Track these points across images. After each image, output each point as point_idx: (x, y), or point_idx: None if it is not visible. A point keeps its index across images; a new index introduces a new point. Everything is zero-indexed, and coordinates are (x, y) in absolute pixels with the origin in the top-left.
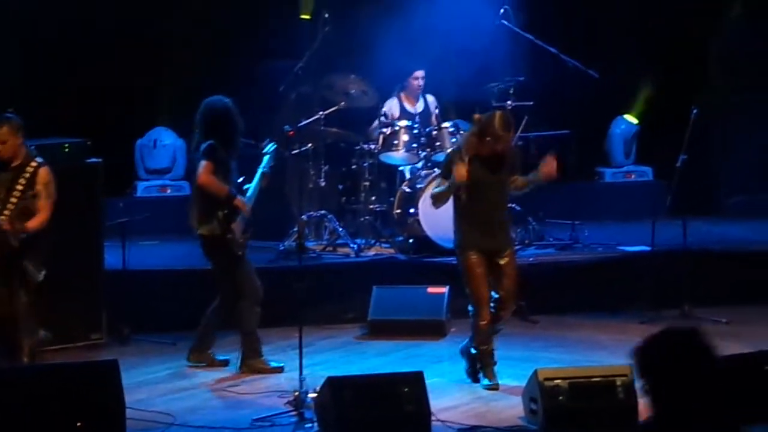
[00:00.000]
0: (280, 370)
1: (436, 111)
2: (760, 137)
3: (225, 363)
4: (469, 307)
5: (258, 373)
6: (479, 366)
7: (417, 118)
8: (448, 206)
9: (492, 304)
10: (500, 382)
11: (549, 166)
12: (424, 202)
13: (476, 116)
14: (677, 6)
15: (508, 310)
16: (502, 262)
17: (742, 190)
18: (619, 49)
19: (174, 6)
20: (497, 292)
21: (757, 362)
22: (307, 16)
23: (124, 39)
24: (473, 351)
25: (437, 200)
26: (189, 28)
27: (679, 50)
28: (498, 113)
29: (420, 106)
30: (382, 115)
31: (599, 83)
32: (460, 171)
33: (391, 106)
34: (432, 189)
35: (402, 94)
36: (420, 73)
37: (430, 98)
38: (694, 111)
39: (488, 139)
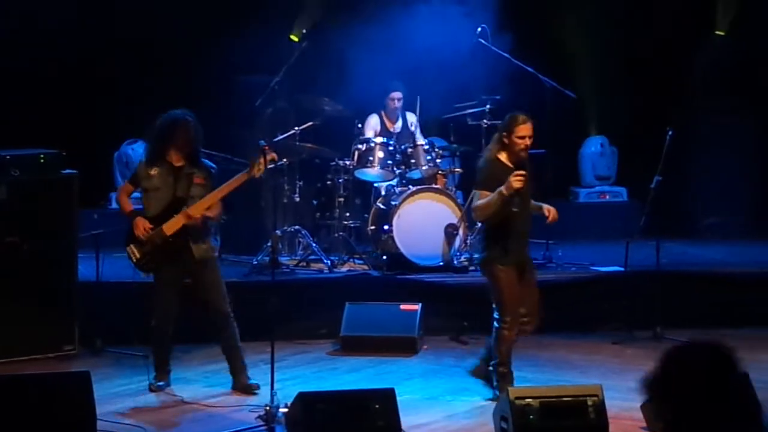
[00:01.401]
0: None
1: (413, 128)
2: (735, 159)
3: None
4: (495, 323)
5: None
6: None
7: (395, 137)
8: (422, 222)
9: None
10: (471, 400)
11: (552, 216)
12: (399, 219)
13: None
14: (656, 27)
15: (532, 325)
16: (527, 276)
17: (717, 212)
18: (598, 70)
19: (151, 19)
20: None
21: None
22: (295, 39)
23: (102, 51)
24: (494, 362)
25: (484, 212)
26: (166, 41)
27: (657, 71)
28: (516, 114)
29: (398, 126)
30: (359, 133)
31: (576, 103)
32: (516, 180)
33: (373, 123)
34: (475, 202)
35: (382, 113)
36: (397, 95)
37: (411, 116)
38: (670, 132)
39: (519, 138)
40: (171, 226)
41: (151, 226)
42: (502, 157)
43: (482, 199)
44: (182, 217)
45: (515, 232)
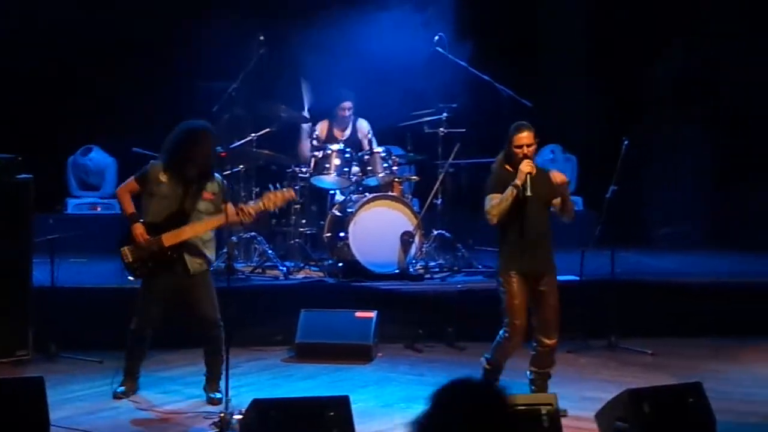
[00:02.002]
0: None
1: (370, 136)
2: (689, 169)
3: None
4: (501, 332)
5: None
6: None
7: (343, 144)
8: (378, 230)
9: (534, 338)
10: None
11: (557, 176)
12: (355, 226)
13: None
14: (614, 39)
15: (549, 343)
16: (542, 288)
17: (672, 222)
18: (556, 80)
19: (109, 25)
20: (536, 321)
21: (682, 394)
22: None
23: (58, 56)
24: (486, 355)
25: (498, 208)
26: (124, 46)
27: (613, 82)
28: (515, 124)
29: (347, 134)
30: (314, 139)
31: (534, 112)
32: (525, 165)
33: (321, 127)
34: (488, 204)
35: (331, 121)
36: (347, 104)
37: (362, 123)
38: (626, 142)
39: (517, 147)
40: (171, 238)
41: (148, 235)
42: (508, 166)
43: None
44: (189, 231)
45: (526, 240)
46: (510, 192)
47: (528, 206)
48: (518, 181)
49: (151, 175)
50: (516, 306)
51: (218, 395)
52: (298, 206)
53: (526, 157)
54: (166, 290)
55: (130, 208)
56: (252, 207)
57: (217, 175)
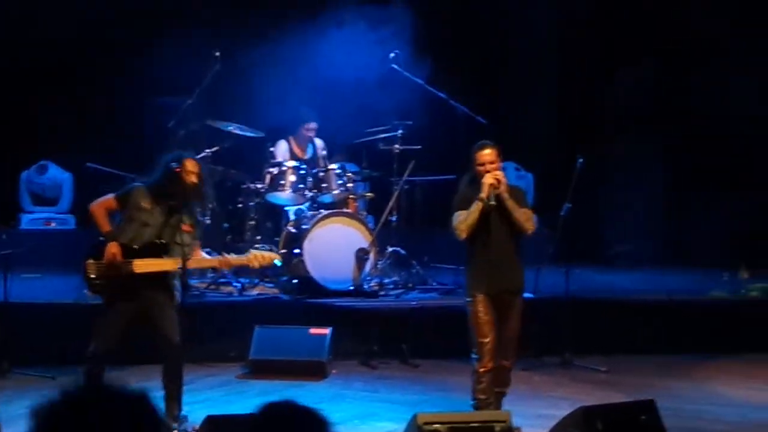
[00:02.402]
0: None
1: (324, 153)
2: (643, 188)
3: None
4: (472, 355)
5: None
6: None
7: (305, 166)
8: (333, 246)
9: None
10: (380, 425)
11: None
12: (310, 243)
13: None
14: (571, 59)
15: (506, 364)
16: (507, 308)
17: (625, 240)
18: (513, 98)
19: (65, 40)
20: (497, 340)
21: (635, 412)
22: None
23: (12, 70)
24: (472, 402)
25: (465, 222)
26: (80, 61)
27: (570, 101)
28: (478, 142)
29: (308, 154)
30: (271, 156)
31: (489, 130)
32: (489, 179)
33: (280, 150)
34: (455, 220)
35: (291, 139)
36: (312, 125)
37: (319, 143)
38: (580, 161)
39: (480, 165)
40: (142, 266)
41: (121, 256)
42: (473, 188)
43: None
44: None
45: (492, 258)
46: (476, 206)
47: (493, 223)
48: (483, 194)
49: (133, 198)
50: (483, 326)
51: (182, 414)
52: (252, 222)
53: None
54: (129, 314)
55: (107, 225)
56: (234, 260)
57: (197, 211)
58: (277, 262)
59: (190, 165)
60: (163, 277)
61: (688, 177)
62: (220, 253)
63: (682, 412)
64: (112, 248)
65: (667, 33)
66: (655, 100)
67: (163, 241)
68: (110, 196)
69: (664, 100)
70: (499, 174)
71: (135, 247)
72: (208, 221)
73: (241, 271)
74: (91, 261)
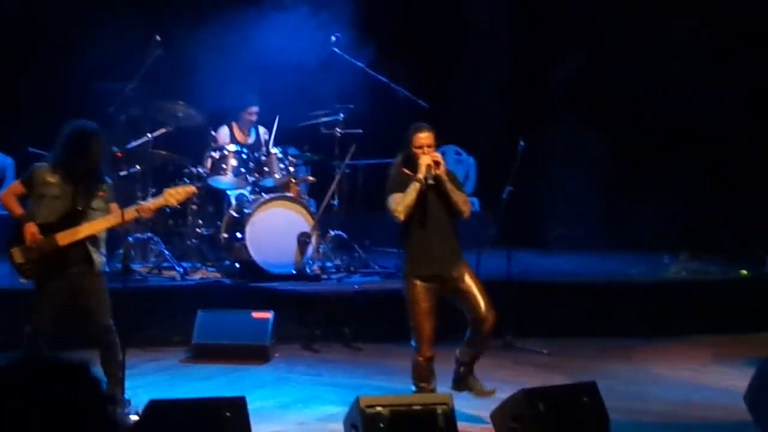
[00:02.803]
0: None
1: (266, 138)
2: (584, 171)
3: None
4: (411, 342)
5: None
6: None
7: (247, 149)
8: (275, 230)
9: (468, 330)
10: (323, 408)
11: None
12: (252, 227)
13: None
14: (513, 42)
15: (489, 328)
16: (461, 285)
17: (567, 223)
18: (455, 81)
19: (4, 25)
20: (470, 315)
21: (576, 394)
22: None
23: None
24: (413, 389)
25: (402, 207)
26: (20, 47)
27: (512, 84)
28: (413, 125)
29: (251, 139)
30: (212, 141)
31: (430, 113)
32: (426, 159)
33: (222, 135)
34: (391, 203)
35: (234, 125)
36: (255, 109)
37: (262, 129)
38: (521, 144)
39: (417, 148)
40: (66, 237)
41: (40, 235)
42: (406, 169)
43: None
44: (87, 228)
45: (427, 243)
46: (413, 187)
47: (431, 205)
48: (420, 175)
49: (37, 178)
50: (420, 312)
51: (125, 398)
52: (195, 207)
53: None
54: (62, 291)
55: (18, 209)
56: (152, 203)
57: (103, 175)
58: (194, 193)
59: (90, 131)
60: (91, 245)
61: (629, 161)
62: (163, 240)
63: (623, 393)
64: (30, 228)
65: (610, 16)
66: (598, 84)
67: (78, 208)
68: (16, 182)
69: (606, 84)
70: (437, 155)
71: (51, 222)
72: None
73: (183, 255)
74: (15, 248)
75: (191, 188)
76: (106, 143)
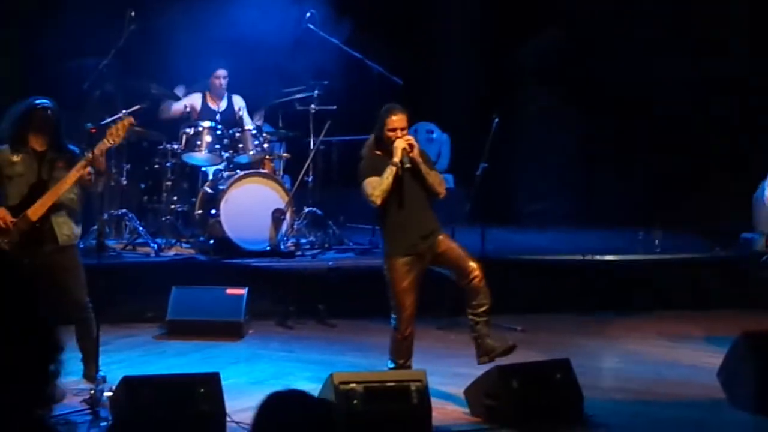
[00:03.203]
0: None
1: (241, 113)
2: (558, 148)
3: None
4: (392, 320)
5: None
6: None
7: (218, 117)
8: (249, 207)
9: (465, 293)
10: (296, 384)
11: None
12: (226, 204)
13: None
14: (487, 18)
15: (475, 266)
16: (440, 249)
17: (540, 199)
18: (429, 57)
19: None
20: (456, 273)
21: (550, 370)
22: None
23: None
24: (390, 365)
25: (380, 191)
26: None
27: (486, 61)
28: (386, 107)
29: (223, 105)
30: (187, 107)
31: (404, 90)
32: (401, 143)
33: (194, 101)
34: (368, 189)
35: (207, 93)
36: (222, 72)
37: (237, 99)
38: (495, 120)
39: (390, 131)
40: (36, 210)
41: (11, 218)
42: (379, 152)
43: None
44: (51, 195)
45: (406, 221)
46: (389, 170)
47: (407, 186)
48: (395, 158)
49: (1, 160)
50: (402, 291)
51: (100, 374)
52: (169, 183)
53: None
54: (38, 269)
55: None
56: (97, 148)
57: (71, 146)
58: (132, 123)
59: (34, 106)
60: (61, 216)
61: (603, 137)
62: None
63: (596, 370)
64: (1, 213)
65: None
66: (571, 61)
67: (44, 179)
68: None
69: (579, 61)
70: (411, 138)
71: (21, 200)
72: (125, 182)
73: (157, 231)
74: None
75: (129, 119)
76: (59, 114)
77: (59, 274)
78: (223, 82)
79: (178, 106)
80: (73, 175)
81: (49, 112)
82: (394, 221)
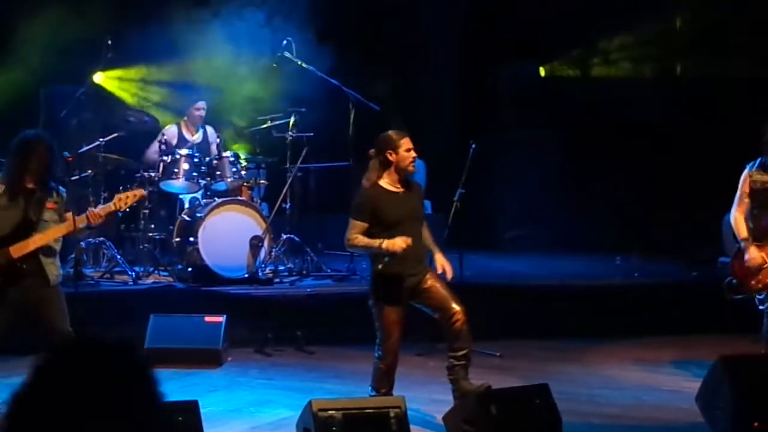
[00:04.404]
0: None
1: (217, 141)
2: (536, 173)
3: None
4: (376, 350)
5: None
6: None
7: (195, 148)
8: (227, 234)
9: (446, 335)
10: (275, 412)
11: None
12: (204, 231)
13: (371, 152)
14: (464, 44)
15: (459, 309)
16: (425, 285)
17: (519, 225)
18: (406, 83)
19: None
20: (438, 313)
21: (529, 395)
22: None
23: None
24: (371, 393)
25: (357, 251)
26: None
27: (463, 85)
28: (391, 132)
29: (199, 137)
30: (162, 143)
31: (381, 116)
32: (398, 243)
33: (170, 133)
34: (351, 233)
35: (182, 122)
36: (201, 104)
37: (210, 129)
38: (473, 146)
39: (407, 152)
40: (19, 249)
41: None
42: (384, 182)
43: (356, 232)
44: (38, 239)
45: (398, 258)
46: (377, 247)
47: (401, 225)
48: (390, 250)
49: None
50: (390, 326)
51: None
52: (146, 211)
53: (414, 160)
54: (13, 304)
55: None
56: (101, 209)
57: (56, 185)
58: (143, 196)
59: (34, 143)
60: (46, 256)
61: (581, 163)
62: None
63: (575, 395)
64: None
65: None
66: (549, 88)
67: (31, 218)
68: None
69: (557, 88)
70: (409, 241)
71: (5, 234)
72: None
73: (135, 259)
74: None
75: (140, 192)
76: (57, 150)
77: (43, 306)
78: (202, 113)
79: (154, 148)
80: (68, 226)
81: (45, 149)
82: (385, 265)
